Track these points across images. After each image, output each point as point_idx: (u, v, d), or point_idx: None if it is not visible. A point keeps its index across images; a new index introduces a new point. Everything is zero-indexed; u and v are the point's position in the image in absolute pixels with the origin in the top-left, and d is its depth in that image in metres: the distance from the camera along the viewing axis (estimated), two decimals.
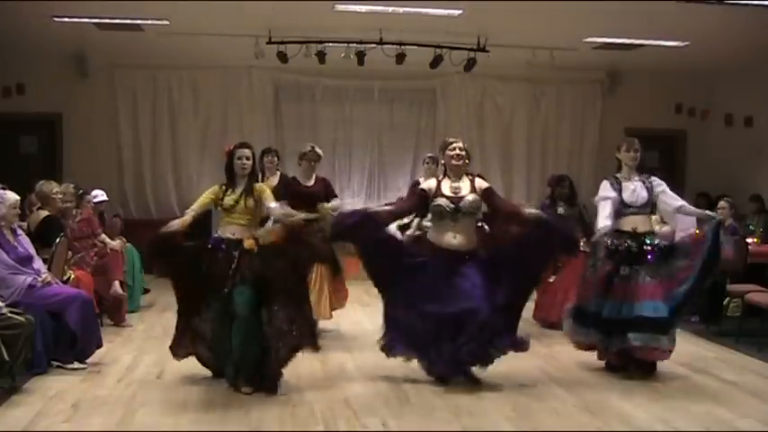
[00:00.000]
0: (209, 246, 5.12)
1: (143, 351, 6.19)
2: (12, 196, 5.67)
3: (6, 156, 10.50)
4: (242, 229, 5.12)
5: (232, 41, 9.25)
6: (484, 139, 11.56)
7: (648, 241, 5.52)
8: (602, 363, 6.03)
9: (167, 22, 8.68)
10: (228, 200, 5.15)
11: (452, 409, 4.76)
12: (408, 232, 6.47)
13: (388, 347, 5.35)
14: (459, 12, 8.17)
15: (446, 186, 5.39)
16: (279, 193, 6.58)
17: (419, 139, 11.63)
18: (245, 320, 4.95)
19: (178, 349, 5.27)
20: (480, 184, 5.44)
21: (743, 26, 8.40)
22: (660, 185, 5.68)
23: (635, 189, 5.59)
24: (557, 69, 10.23)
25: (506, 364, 5.28)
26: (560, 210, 7.36)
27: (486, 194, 5.39)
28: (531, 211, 5.44)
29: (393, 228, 5.86)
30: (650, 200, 5.61)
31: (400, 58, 9.38)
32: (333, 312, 6.87)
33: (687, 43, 9.39)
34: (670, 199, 5.68)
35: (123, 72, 10.88)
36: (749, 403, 5.00)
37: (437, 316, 5.12)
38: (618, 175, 5.70)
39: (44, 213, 6.65)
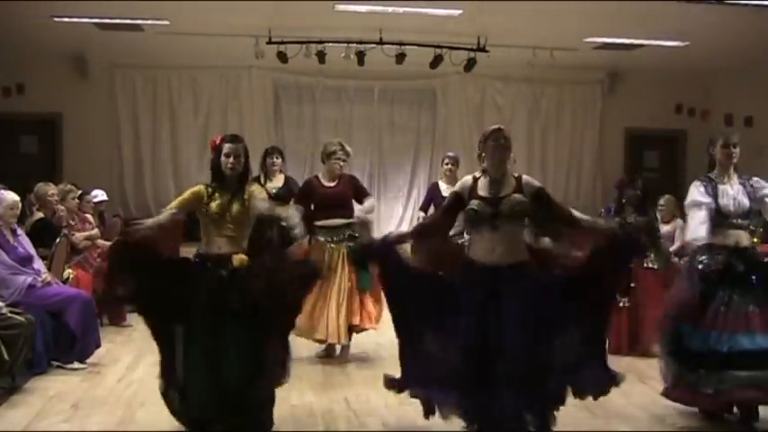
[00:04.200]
0: (190, 262, 4.26)
1: (143, 351, 6.16)
2: (10, 197, 5.66)
3: (6, 156, 10.49)
4: (229, 241, 4.21)
5: (232, 41, 9.25)
6: None
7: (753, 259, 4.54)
8: None
9: (167, 22, 8.68)
10: (214, 206, 4.22)
11: None
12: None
13: (407, 385, 4.29)
14: (459, 12, 8.17)
15: (483, 186, 4.28)
16: (285, 197, 6.26)
17: (419, 139, 11.65)
18: (246, 357, 4.06)
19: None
20: (530, 183, 4.29)
21: (743, 26, 8.39)
22: (765, 189, 4.61)
23: (735, 195, 4.55)
24: (557, 69, 10.23)
25: None
26: (630, 219, 6.25)
27: (538, 197, 4.23)
28: (604, 226, 4.47)
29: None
30: (751, 209, 4.56)
31: (400, 58, 9.38)
32: (354, 332, 6.11)
33: (687, 43, 9.39)
34: None
35: (123, 72, 10.88)
36: None
37: (469, 350, 4.05)
38: (711, 176, 4.65)
39: (38, 216, 6.65)
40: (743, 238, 4.54)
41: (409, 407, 4.83)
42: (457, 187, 4.43)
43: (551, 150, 11.83)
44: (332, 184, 6.08)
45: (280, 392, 4.99)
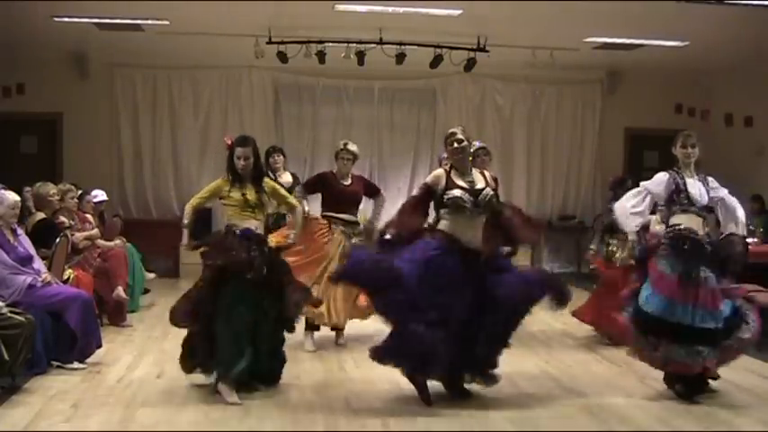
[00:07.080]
0: (237, 235, 4.98)
1: (143, 351, 6.19)
2: (11, 197, 5.66)
3: (6, 156, 10.50)
4: (259, 224, 5.09)
5: (232, 41, 9.26)
6: (484, 140, 11.48)
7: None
8: (602, 363, 6.04)
9: (167, 22, 8.68)
10: (250, 195, 5.05)
11: (453, 409, 4.76)
12: None
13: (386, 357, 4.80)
14: (459, 12, 8.17)
15: (458, 178, 4.88)
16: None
17: (419, 139, 11.64)
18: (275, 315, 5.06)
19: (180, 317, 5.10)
20: (491, 181, 5.03)
21: (743, 26, 8.40)
22: (719, 191, 5.21)
23: (699, 189, 5.10)
24: (557, 69, 10.23)
25: (507, 365, 5.25)
26: None
27: (496, 195, 5.02)
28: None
29: None
30: (707, 204, 5.11)
31: (400, 58, 9.38)
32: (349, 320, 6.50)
33: (687, 43, 9.39)
34: (733, 210, 5.21)
35: (123, 72, 10.89)
36: (749, 403, 5.00)
37: (452, 319, 4.69)
38: (678, 170, 5.22)
39: (39, 216, 6.64)
40: (701, 225, 5.03)
41: (410, 407, 4.84)
42: (428, 180, 4.96)
43: (551, 150, 11.82)
44: (347, 183, 6.53)
45: (280, 392, 5.03)
